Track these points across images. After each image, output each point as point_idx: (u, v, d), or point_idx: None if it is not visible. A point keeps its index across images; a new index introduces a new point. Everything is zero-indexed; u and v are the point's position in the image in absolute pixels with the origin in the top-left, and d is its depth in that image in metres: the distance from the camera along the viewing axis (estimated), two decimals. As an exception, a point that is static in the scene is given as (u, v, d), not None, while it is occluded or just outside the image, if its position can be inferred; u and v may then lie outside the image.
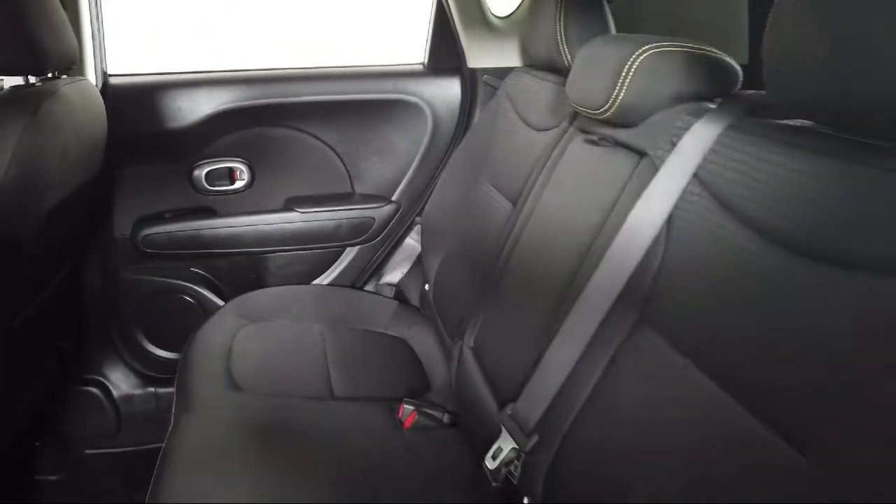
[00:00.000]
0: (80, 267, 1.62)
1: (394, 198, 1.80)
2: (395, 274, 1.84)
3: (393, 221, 1.80)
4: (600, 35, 1.14)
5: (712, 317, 0.72)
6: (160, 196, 1.67)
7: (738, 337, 0.68)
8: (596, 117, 1.00)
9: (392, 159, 1.79)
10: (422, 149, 1.78)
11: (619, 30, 1.30)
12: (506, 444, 0.94)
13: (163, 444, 1.08)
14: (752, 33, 1.46)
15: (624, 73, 0.92)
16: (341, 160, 1.78)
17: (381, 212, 1.79)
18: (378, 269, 1.85)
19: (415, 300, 1.72)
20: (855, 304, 0.56)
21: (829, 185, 0.62)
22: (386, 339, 1.53)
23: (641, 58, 0.91)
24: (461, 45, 1.70)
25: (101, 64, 1.57)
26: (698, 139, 0.81)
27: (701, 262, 0.76)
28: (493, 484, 0.95)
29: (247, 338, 1.40)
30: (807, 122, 0.72)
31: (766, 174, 0.69)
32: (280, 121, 1.72)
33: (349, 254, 1.81)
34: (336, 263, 1.81)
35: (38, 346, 1.46)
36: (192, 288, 1.71)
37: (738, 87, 0.92)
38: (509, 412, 0.95)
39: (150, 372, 1.72)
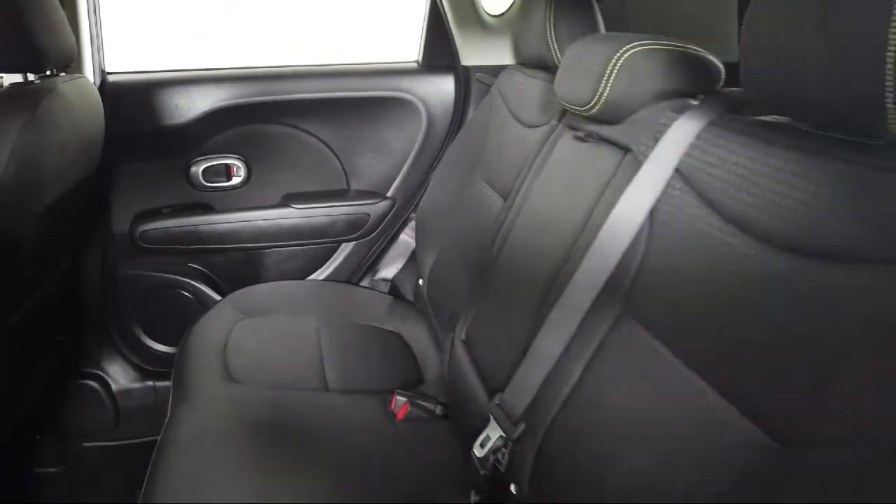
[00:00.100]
0: (78, 262, 1.64)
1: (389, 194, 1.83)
2: (390, 269, 1.86)
3: (388, 217, 1.82)
4: (589, 34, 1.16)
5: (692, 308, 0.74)
6: (158, 192, 1.69)
7: (716, 328, 0.70)
8: (582, 114, 1.03)
9: (387, 156, 1.81)
10: (416, 145, 1.80)
11: (609, 29, 1.32)
12: (493, 433, 0.96)
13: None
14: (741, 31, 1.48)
15: (608, 71, 0.94)
16: (337, 157, 1.80)
17: (377, 208, 1.81)
18: (373, 265, 1.88)
19: (409, 295, 1.74)
20: (827, 296, 0.58)
21: (802, 179, 0.64)
22: (380, 334, 1.56)
23: (625, 56, 0.94)
24: (455, 44, 1.73)
25: (99, 62, 1.59)
26: (680, 135, 0.83)
27: (681, 255, 0.78)
28: (482, 472, 0.97)
29: (243, 332, 1.42)
30: (783, 119, 0.74)
31: (743, 168, 0.71)
32: (276, 118, 1.74)
33: (345, 249, 1.83)
34: (332, 259, 1.83)
35: (37, 341, 1.48)
36: (189, 283, 1.73)
37: (721, 84, 0.94)
38: (497, 402, 0.97)
39: (149, 366, 1.75)
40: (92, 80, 1.55)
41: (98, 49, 1.59)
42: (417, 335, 1.55)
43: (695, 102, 0.89)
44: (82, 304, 1.67)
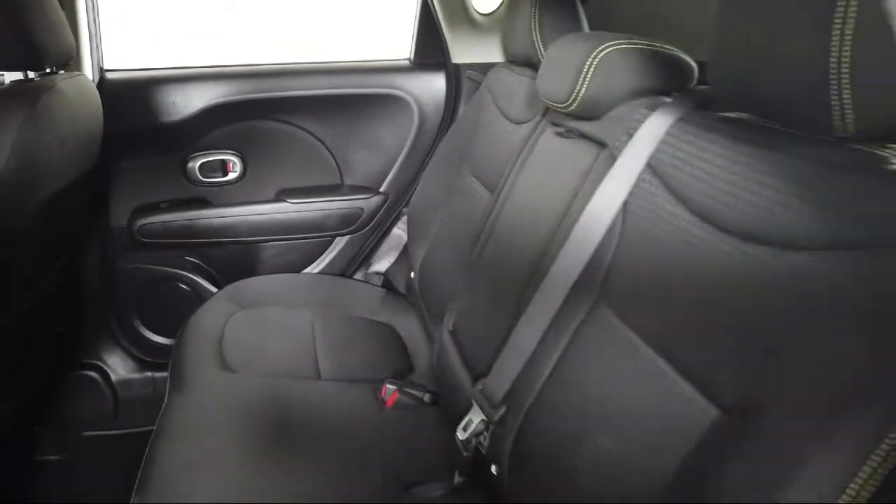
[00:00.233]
0: (78, 256, 1.67)
1: (382, 189, 1.86)
2: (382, 263, 1.90)
3: (381, 212, 1.86)
4: (572, 32, 1.20)
5: (659, 294, 0.78)
6: (155, 187, 1.72)
7: (680, 312, 0.74)
8: (562, 111, 1.07)
9: (380, 151, 1.84)
10: (408, 141, 1.83)
11: (596, 29, 1.36)
12: (476, 417, 1.00)
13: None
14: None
15: (585, 70, 0.98)
16: (331, 152, 1.83)
17: (370, 203, 1.84)
18: (367, 259, 1.91)
19: (402, 288, 1.78)
20: (777, 280, 0.62)
21: (757, 173, 0.68)
22: (373, 325, 1.59)
23: (601, 55, 0.97)
24: (445, 42, 1.76)
25: (97, 59, 1.62)
26: (652, 131, 0.87)
27: (651, 245, 0.82)
28: (465, 454, 1.01)
29: (239, 323, 1.45)
30: (746, 115, 0.78)
31: (707, 163, 0.75)
32: (271, 114, 1.77)
33: (339, 243, 1.86)
34: (326, 253, 1.86)
35: (38, 332, 1.51)
36: (186, 276, 1.76)
37: (694, 81, 0.98)
38: (480, 387, 1.01)
39: (147, 357, 1.78)
40: (91, 77, 1.58)
41: (97, 47, 1.62)
42: (409, 327, 1.58)
43: (668, 100, 0.93)
44: (82, 296, 1.71)
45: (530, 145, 1.23)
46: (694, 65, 0.98)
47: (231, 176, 1.77)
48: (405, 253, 1.84)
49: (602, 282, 0.88)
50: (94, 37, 1.61)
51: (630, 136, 0.90)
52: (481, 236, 1.27)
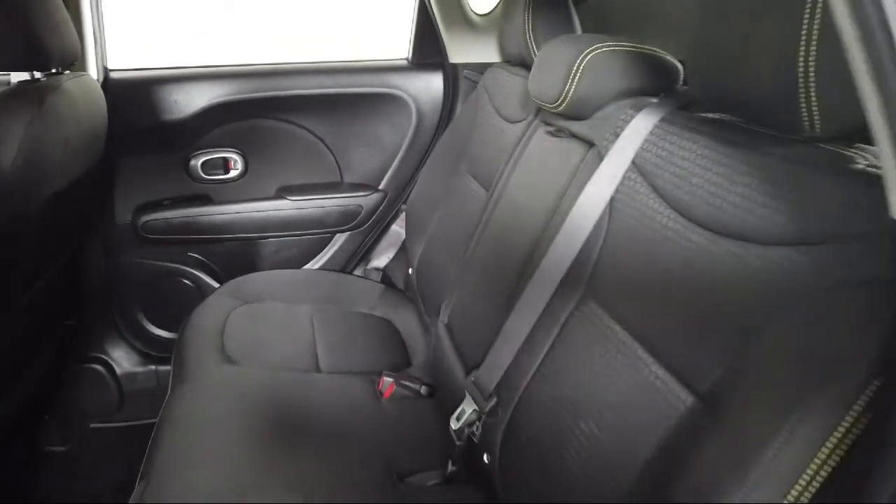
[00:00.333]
0: (83, 251, 1.71)
1: (381, 186, 1.89)
2: (381, 259, 1.92)
3: (380, 209, 1.89)
4: (565, 34, 1.23)
5: (641, 288, 0.81)
6: (158, 185, 1.76)
7: (660, 304, 0.77)
8: (552, 111, 1.10)
9: (379, 150, 1.87)
10: (407, 140, 1.86)
11: (589, 30, 1.39)
12: (468, 407, 1.03)
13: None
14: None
15: (574, 71, 1.01)
16: (330, 151, 1.86)
17: (369, 200, 1.87)
18: (366, 255, 1.94)
19: (400, 283, 1.81)
20: (748, 273, 0.65)
21: (731, 170, 0.71)
22: (372, 320, 1.62)
23: (589, 57, 1.01)
24: (443, 42, 1.79)
25: (101, 59, 1.65)
26: (637, 130, 0.90)
27: (635, 241, 0.85)
28: (457, 443, 1.05)
29: (240, 317, 1.48)
30: (725, 116, 0.81)
31: (686, 160, 0.78)
32: (272, 113, 1.80)
33: (338, 240, 1.90)
34: (326, 249, 1.90)
35: (44, 325, 1.55)
36: (189, 271, 1.79)
37: (680, 83, 1.01)
38: (472, 379, 1.05)
39: (151, 351, 1.81)
40: (95, 77, 1.61)
41: (101, 47, 1.65)
42: (407, 321, 1.62)
43: (654, 100, 0.96)
44: (87, 291, 1.74)
45: (523, 144, 1.26)
46: (679, 66, 1.01)
47: (232, 173, 1.80)
48: (403, 249, 1.86)
49: (589, 277, 0.91)
50: (99, 37, 1.64)
51: (616, 135, 0.93)
52: (476, 233, 1.30)
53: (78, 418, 1.75)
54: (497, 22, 1.74)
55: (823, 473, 0.50)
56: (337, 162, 1.88)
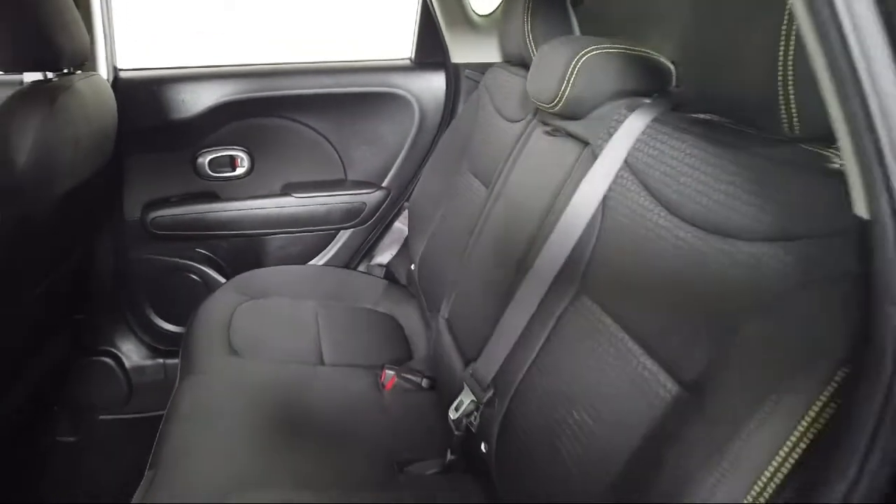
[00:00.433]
0: (93, 247, 1.74)
1: (384, 184, 1.92)
2: (384, 255, 1.96)
3: (383, 206, 1.92)
4: (563, 35, 1.26)
5: (632, 283, 0.84)
6: (167, 182, 1.79)
7: (650, 298, 0.80)
8: (548, 111, 1.13)
9: (382, 148, 1.90)
10: (409, 138, 1.89)
11: (587, 30, 1.41)
12: (466, 398, 1.06)
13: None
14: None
15: (569, 72, 1.04)
16: (335, 149, 1.89)
17: (372, 197, 1.90)
18: (369, 251, 1.97)
19: (403, 279, 1.84)
20: (732, 268, 0.68)
21: (717, 169, 0.74)
22: (375, 315, 1.66)
23: (584, 58, 1.03)
24: (445, 42, 1.82)
25: (111, 59, 1.68)
26: (629, 130, 0.93)
27: (626, 237, 0.88)
28: (456, 433, 1.08)
29: (246, 312, 1.52)
30: (715, 117, 0.84)
31: (676, 160, 0.81)
32: (278, 112, 1.83)
33: (342, 236, 1.93)
34: (330, 245, 1.93)
35: (55, 319, 1.59)
36: (196, 267, 1.83)
37: (672, 84, 1.03)
38: (471, 371, 1.08)
39: (159, 344, 1.85)
40: (105, 76, 1.65)
41: (110, 47, 1.68)
42: (409, 316, 1.65)
43: (647, 101, 0.98)
44: (97, 286, 1.78)
45: (522, 143, 1.29)
46: (672, 68, 1.03)
47: (239, 171, 1.83)
48: (406, 246, 1.89)
49: (583, 273, 0.94)
50: (108, 36, 1.67)
51: (610, 135, 0.96)
52: (476, 230, 1.33)
53: (87, 410, 1.78)
54: (498, 22, 1.76)
55: (794, 456, 0.53)
56: (341, 160, 1.90)
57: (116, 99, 1.52)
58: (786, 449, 0.53)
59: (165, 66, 1.79)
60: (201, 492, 0.99)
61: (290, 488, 1.02)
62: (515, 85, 1.45)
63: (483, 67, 1.71)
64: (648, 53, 1.04)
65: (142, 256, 1.80)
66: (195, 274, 1.84)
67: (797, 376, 0.55)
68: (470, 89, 1.80)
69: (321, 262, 1.93)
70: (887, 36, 0.41)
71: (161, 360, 1.86)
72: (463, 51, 1.83)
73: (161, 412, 1.23)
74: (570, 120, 1.11)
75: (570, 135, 1.11)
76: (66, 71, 1.33)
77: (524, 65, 1.44)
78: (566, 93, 1.05)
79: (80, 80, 1.31)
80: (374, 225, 1.94)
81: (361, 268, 1.98)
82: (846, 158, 0.46)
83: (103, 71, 1.65)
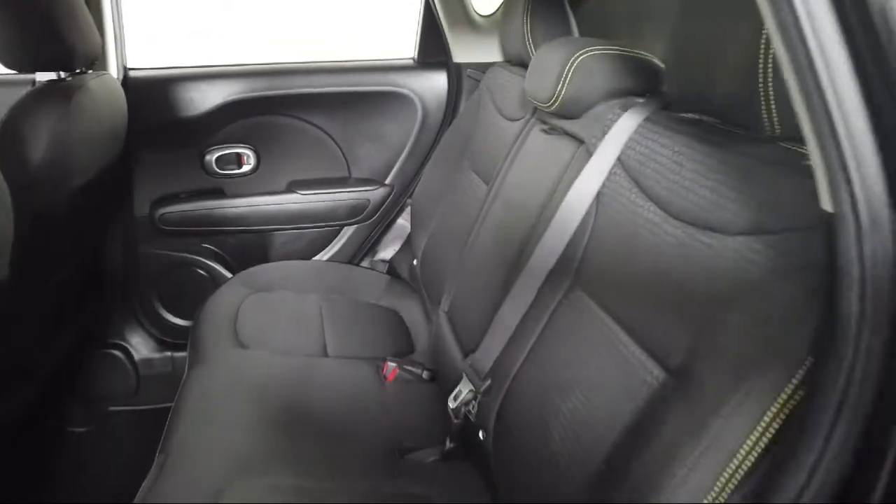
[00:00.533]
0: (104, 243, 1.78)
1: (387, 181, 1.95)
2: (388, 251, 1.99)
3: (386, 203, 1.95)
4: (561, 36, 1.29)
5: (623, 276, 0.88)
6: (175, 179, 1.83)
7: (639, 289, 0.83)
8: (545, 110, 1.16)
9: (385, 146, 1.93)
10: (412, 136, 1.92)
11: (586, 30, 1.45)
12: (465, 388, 1.10)
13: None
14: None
15: (565, 73, 1.07)
16: (339, 147, 1.92)
17: (376, 194, 1.94)
18: (373, 247, 2.01)
19: (405, 275, 1.87)
20: (717, 260, 0.71)
21: (703, 166, 0.77)
22: (378, 309, 1.69)
23: (580, 59, 1.07)
24: (447, 42, 1.85)
25: (121, 59, 1.72)
26: (622, 129, 0.97)
27: (619, 233, 0.91)
28: (455, 421, 1.12)
29: (252, 305, 1.55)
30: (703, 116, 0.88)
31: (666, 157, 0.85)
32: (283, 110, 1.86)
33: (346, 232, 1.96)
34: (334, 241, 1.96)
35: (67, 312, 1.63)
36: (203, 262, 1.87)
37: (664, 84, 1.07)
38: (469, 362, 1.12)
39: (167, 337, 1.89)
40: (115, 75, 1.68)
41: (121, 47, 1.72)
42: (411, 311, 1.68)
43: (640, 100, 1.02)
44: (108, 280, 1.82)
45: (520, 141, 1.32)
46: (663, 68, 1.07)
47: (245, 168, 1.87)
48: (408, 242, 1.93)
49: (577, 267, 0.97)
50: (119, 36, 1.71)
51: (604, 133, 1.00)
52: (475, 226, 1.37)
53: (98, 401, 1.83)
54: (499, 23, 1.79)
55: (768, 434, 0.57)
56: (345, 157, 1.94)
57: (126, 98, 1.55)
58: (760, 428, 0.57)
59: (174, 66, 1.82)
60: (208, 476, 1.03)
61: (293, 474, 1.06)
62: (515, 84, 1.48)
63: (484, 67, 1.74)
64: (641, 54, 1.08)
65: (150, 251, 1.84)
66: (202, 269, 1.88)
67: (771, 362, 0.58)
68: (471, 88, 1.83)
69: (325, 258, 1.97)
70: (846, 42, 0.45)
71: (169, 353, 1.90)
72: (465, 51, 1.86)
73: (168, 404, 1.26)
74: (566, 119, 1.14)
75: (566, 133, 1.14)
76: (78, 71, 1.36)
77: (524, 65, 1.47)
78: (562, 92, 1.09)
79: (92, 79, 1.35)
80: (377, 221, 1.97)
81: (365, 263, 2.01)
82: (812, 156, 0.49)
83: (113, 70, 1.69)
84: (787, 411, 0.56)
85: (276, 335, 1.46)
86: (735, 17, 0.73)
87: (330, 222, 1.94)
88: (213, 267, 1.88)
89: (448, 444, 1.15)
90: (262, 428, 1.15)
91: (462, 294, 1.32)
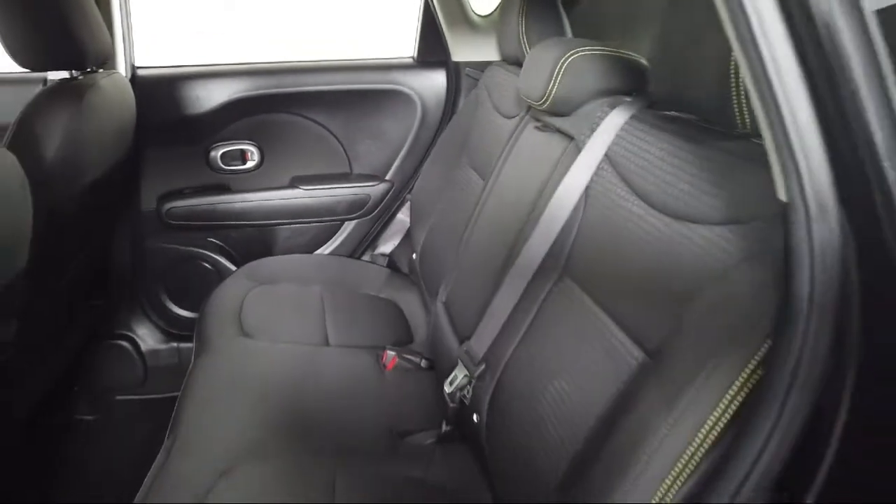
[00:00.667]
0: (112, 237, 1.83)
1: (387, 177, 2.00)
2: (388, 245, 2.04)
3: (386, 198, 2.00)
4: (555, 36, 1.34)
5: (609, 266, 0.93)
6: (181, 174, 1.87)
7: (623, 277, 0.88)
8: (538, 108, 1.21)
9: (386, 143, 1.98)
10: (412, 133, 1.97)
11: (580, 30, 1.49)
12: (460, 373, 1.15)
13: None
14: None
15: (556, 72, 1.12)
16: (340, 143, 1.97)
17: (376, 189, 1.98)
18: (373, 241, 2.05)
19: (405, 268, 1.92)
20: (692, 248, 0.76)
21: (683, 161, 0.82)
22: (378, 301, 1.74)
23: (570, 59, 1.12)
24: (446, 41, 1.90)
25: (129, 58, 1.77)
26: (610, 126, 1.01)
27: (605, 225, 0.96)
28: (451, 405, 1.17)
29: (256, 297, 1.60)
30: (684, 114, 0.92)
31: (649, 153, 0.90)
32: (286, 108, 1.91)
33: (347, 227, 2.01)
34: (336, 236, 2.01)
35: (76, 304, 1.67)
36: (208, 255, 1.92)
37: (650, 83, 1.11)
38: (465, 348, 1.17)
39: (173, 329, 1.94)
40: (124, 73, 1.73)
41: (129, 46, 1.76)
42: (410, 303, 1.73)
43: (628, 99, 1.07)
44: (115, 273, 1.87)
45: (515, 137, 1.37)
46: (650, 68, 1.12)
47: (249, 164, 1.91)
48: (408, 236, 1.98)
49: (566, 257, 1.02)
50: (127, 36, 1.76)
51: (593, 130, 1.05)
52: (472, 220, 1.42)
53: (105, 391, 1.88)
54: (496, 23, 1.84)
55: (730, 412, 0.62)
56: (346, 154, 1.98)
57: (134, 96, 1.60)
58: (725, 401, 0.62)
59: (180, 65, 1.87)
60: (214, 457, 1.08)
61: (296, 457, 1.11)
62: (511, 83, 1.53)
63: (482, 66, 1.79)
64: (629, 55, 1.13)
65: (157, 245, 1.89)
66: (207, 262, 1.92)
67: (736, 341, 0.63)
68: (470, 87, 1.88)
69: (327, 252, 2.01)
70: (795, 50, 0.50)
71: (175, 344, 1.95)
72: (463, 50, 1.91)
73: (174, 393, 1.31)
74: (557, 116, 1.19)
75: (558, 130, 1.19)
76: (89, 70, 1.40)
77: (520, 64, 1.51)
78: (553, 91, 1.14)
79: (103, 78, 1.39)
80: (377, 216, 2.02)
81: (366, 257, 2.06)
82: (768, 150, 0.54)
83: (122, 69, 1.73)
84: (749, 386, 0.61)
85: (280, 325, 1.51)
86: (711, 21, 0.78)
87: (331, 217, 1.98)
88: (218, 260, 1.92)
89: (444, 427, 1.20)
90: (265, 413, 1.20)
91: (459, 285, 1.37)
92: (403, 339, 1.58)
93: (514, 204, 1.22)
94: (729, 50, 0.72)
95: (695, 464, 0.62)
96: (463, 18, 1.86)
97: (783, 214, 0.54)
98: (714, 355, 0.64)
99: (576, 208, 1.03)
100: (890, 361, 0.52)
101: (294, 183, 1.95)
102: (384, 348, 1.44)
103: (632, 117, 0.99)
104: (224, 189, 1.91)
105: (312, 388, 1.30)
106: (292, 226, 1.97)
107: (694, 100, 0.87)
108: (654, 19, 1.30)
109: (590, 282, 0.95)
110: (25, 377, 1.42)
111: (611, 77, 1.12)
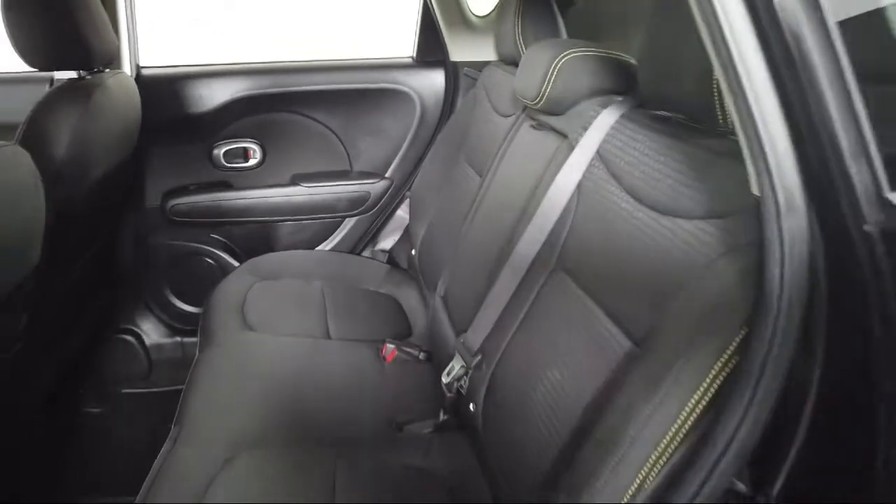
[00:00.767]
0: (117, 233, 1.86)
1: (387, 174, 2.03)
2: (387, 241, 2.08)
3: (386, 195, 2.04)
4: (550, 37, 1.38)
5: (600, 259, 0.96)
6: (185, 172, 1.91)
7: (612, 270, 0.92)
8: (533, 107, 1.25)
9: (385, 141, 2.01)
10: (411, 132, 2.00)
11: (575, 31, 1.53)
12: (457, 364, 1.19)
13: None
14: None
15: (550, 73, 1.16)
16: (341, 141, 2.01)
17: (376, 187, 2.02)
18: (373, 238, 2.09)
19: (404, 264, 1.96)
20: (675, 241, 0.80)
21: (671, 158, 0.86)
22: (377, 295, 1.78)
23: (563, 60, 1.15)
24: (445, 42, 1.93)
25: (134, 57, 1.80)
26: (602, 125, 1.05)
27: (597, 220, 1.00)
28: (448, 395, 1.20)
29: (258, 292, 1.64)
30: (671, 113, 0.96)
31: (637, 151, 0.93)
32: (288, 107, 1.94)
33: (348, 224, 2.04)
34: (336, 232, 2.04)
35: (83, 299, 1.71)
36: (211, 251, 1.95)
37: (638, 83, 1.15)
38: (462, 340, 1.20)
39: (177, 323, 1.98)
40: (129, 73, 1.76)
41: (134, 46, 1.80)
42: (409, 297, 1.77)
43: (619, 98, 1.10)
44: (120, 269, 1.90)
45: (511, 136, 1.41)
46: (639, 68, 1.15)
47: (252, 162, 1.95)
48: (407, 233, 2.01)
49: (560, 252, 1.06)
50: (132, 36, 1.79)
51: (585, 129, 1.08)
52: (469, 216, 1.45)
53: (111, 384, 1.90)
54: (494, 23, 1.87)
55: (707, 397, 0.65)
56: (347, 152, 2.02)
57: (139, 95, 1.63)
58: (703, 387, 0.65)
59: (184, 64, 1.90)
60: (218, 446, 1.11)
61: (297, 446, 1.14)
62: (508, 82, 1.56)
63: (480, 66, 1.82)
64: (620, 56, 1.16)
65: (161, 241, 1.92)
66: (211, 258, 1.96)
67: (714, 330, 0.67)
68: (468, 86, 1.91)
69: (328, 248, 2.05)
70: (763, 52, 0.53)
71: (179, 339, 1.98)
72: (461, 50, 1.94)
73: (178, 386, 1.34)
74: (552, 115, 1.22)
75: (552, 129, 1.23)
76: (96, 70, 1.43)
77: (515, 64, 1.55)
78: (547, 91, 1.17)
79: (109, 77, 1.42)
80: (377, 213, 2.05)
81: (366, 253, 2.10)
82: (742, 147, 0.58)
83: (127, 68, 1.77)
84: (726, 373, 0.65)
85: (282, 319, 1.54)
86: (694, 24, 0.81)
87: (332, 214, 2.01)
88: (220, 256, 1.95)
89: (442, 417, 1.23)
90: (268, 404, 1.24)
91: (456, 279, 1.40)
92: (403, 332, 1.61)
93: (510, 200, 1.26)
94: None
95: (673, 448, 0.66)
96: (461, 19, 1.90)
97: (756, 208, 0.58)
98: (692, 344, 0.68)
99: (569, 204, 1.06)
100: (855, 351, 0.56)
101: (295, 180, 1.98)
102: (384, 341, 1.48)
103: (622, 116, 1.03)
104: (227, 186, 1.94)
105: (314, 380, 1.33)
106: (294, 222, 2.00)
107: (680, 99, 0.90)
108: (641, 21, 1.33)
109: (582, 274, 0.99)
110: (33, 371, 1.45)
111: (602, 77, 1.15)
